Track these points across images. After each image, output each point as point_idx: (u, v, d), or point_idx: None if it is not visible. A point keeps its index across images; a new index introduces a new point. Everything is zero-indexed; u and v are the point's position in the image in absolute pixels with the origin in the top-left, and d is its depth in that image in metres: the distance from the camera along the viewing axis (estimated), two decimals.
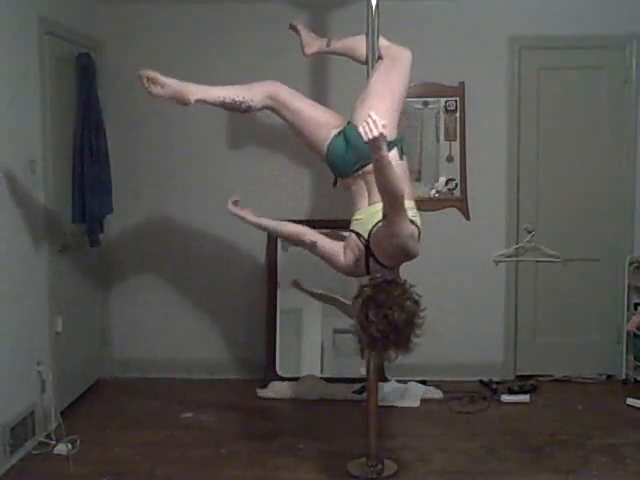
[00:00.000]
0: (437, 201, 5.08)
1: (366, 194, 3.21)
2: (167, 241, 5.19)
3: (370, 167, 3.10)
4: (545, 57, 4.99)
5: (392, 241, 2.95)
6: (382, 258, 3.06)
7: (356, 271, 3.21)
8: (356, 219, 3.23)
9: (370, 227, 3.10)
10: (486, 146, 5.01)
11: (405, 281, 3.01)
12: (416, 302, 2.96)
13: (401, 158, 3.23)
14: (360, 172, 3.22)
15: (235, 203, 3.52)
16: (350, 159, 3.23)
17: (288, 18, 4.92)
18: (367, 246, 3.10)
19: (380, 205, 3.01)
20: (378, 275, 3.04)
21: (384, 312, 2.87)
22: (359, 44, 3.53)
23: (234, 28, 5.03)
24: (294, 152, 4.97)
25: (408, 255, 3.01)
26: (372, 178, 3.07)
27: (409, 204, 3.11)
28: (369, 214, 3.15)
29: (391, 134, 3.17)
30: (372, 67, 3.45)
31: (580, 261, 5.06)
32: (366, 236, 3.11)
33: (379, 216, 3.02)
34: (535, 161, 5.03)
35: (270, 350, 4.99)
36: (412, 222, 3.06)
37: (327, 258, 3.26)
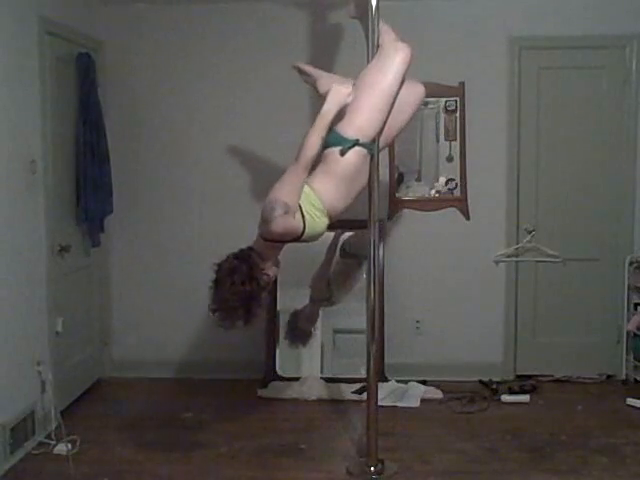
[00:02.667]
0: (437, 201, 5.08)
1: None
2: (167, 241, 5.20)
3: (324, 152, 3.21)
4: (545, 57, 4.99)
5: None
6: (259, 225, 3.17)
7: None
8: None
9: None
10: (486, 146, 5.01)
11: (259, 264, 3.10)
12: (255, 285, 3.06)
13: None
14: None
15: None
16: None
17: (288, 18, 4.96)
18: None
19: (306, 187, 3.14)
20: (252, 245, 3.18)
21: (221, 286, 3.09)
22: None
23: (234, 28, 5.03)
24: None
25: (262, 219, 3.06)
26: (321, 162, 3.20)
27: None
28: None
29: (367, 132, 3.20)
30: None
31: (580, 261, 5.06)
32: None
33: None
34: (535, 161, 5.04)
35: (270, 350, 4.99)
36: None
37: None
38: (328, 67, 4.92)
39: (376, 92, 3.21)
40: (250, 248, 3.16)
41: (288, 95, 5.00)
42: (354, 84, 3.30)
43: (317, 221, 3.16)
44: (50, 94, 4.28)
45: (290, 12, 4.94)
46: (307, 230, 3.12)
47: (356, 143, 3.19)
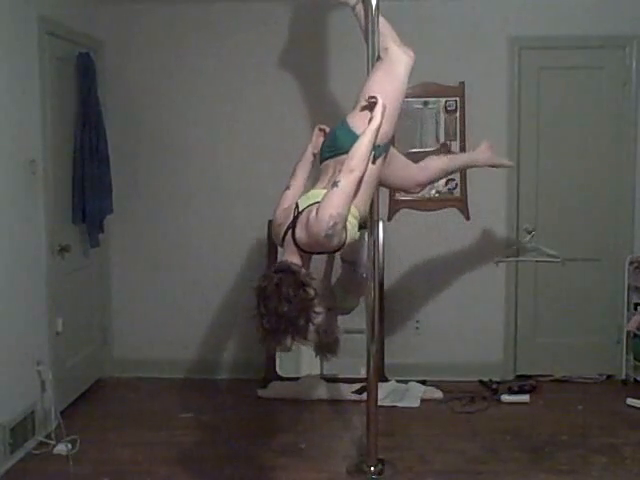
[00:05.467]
0: (437, 201, 5.08)
1: (327, 180, 3.16)
2: (167, 241, 5.19)
3: (342, 158, 3.08)
4: (545, 57, 4.99)
5: (314, 217, 2.90)
6: (301, 238, 2.98)
7: (276, 232, 3.15)
8: (305, 194, 3.17)
9: (310, 203, 3.04)
10: None
11: (301, 271, 2.92)
12: (306, 292, 2.86)
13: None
14: (331, 161, 3.19)
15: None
16: (323, 147, 3.27)
17: (288, 18, 4.96)
18: (295, 218, 3.03)
19: None
20: (284, 258, 3.00)
21: (272, 304, 2.82)
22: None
23: (234, 28, 5.03)
24: (297, 152, 4.98)
25: (317, 232, 2.91)
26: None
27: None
28: (317, 193, 3.10)
29: (382, 139, 3.15)
30: (372, 67, 3.43)
31: (580, 261, 5.05)
32: (300, 209, 3.05)
33: (321, 198, 2.99)
34: (535, 161, 5.03)
35: (270, 350, 4.98)
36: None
37: (280, 200, 3.23)
38: (327, 66, 4.96)
39: (389, 99, 3.18)
40: (284, 261, 3.01)
41: (289, 94, 5.01)
42: (364, 87, 3.29)
43: (354, 230, 3.11)
44: (50, 94, 4.28)
45: (290, 12, 4.94)
46: (347, 240, 3.07)
47: (386, 149, 3.19)
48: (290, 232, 3.02)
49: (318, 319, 2.92)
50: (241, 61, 5.03)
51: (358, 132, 3.12)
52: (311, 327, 2.89)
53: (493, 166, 4.02)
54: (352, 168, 2.97)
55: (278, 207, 3.19)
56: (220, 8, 5.01)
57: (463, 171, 5.01)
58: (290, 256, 3.01)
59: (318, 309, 2.91)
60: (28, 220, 4.10)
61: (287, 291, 2.83)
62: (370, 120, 3.06)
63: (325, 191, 3.04)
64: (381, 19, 3.44)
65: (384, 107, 3.07)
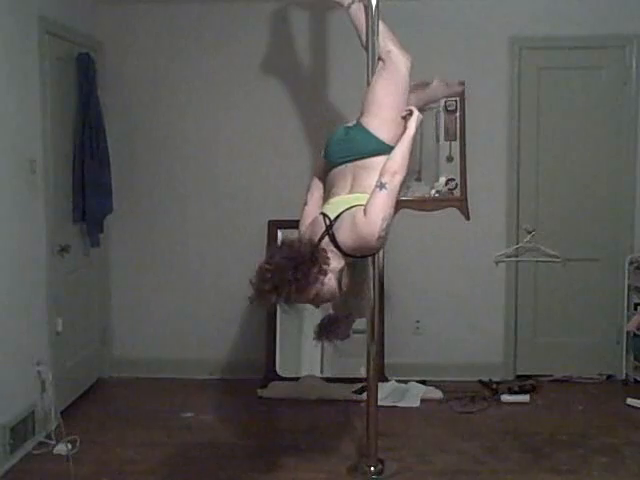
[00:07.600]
0: (437, 201, 5.07)
1: (349, 186, 3.15)
2: (167, 241, 5.20)
3: (362, 162, 3.11)
4: (545, 57, 4.99)
5: (364, 222, 2.94)
6: (346, 242, 2.99)
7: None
8: (329, 203, 3.17)
9: (343, 209, 3.04)
10: (486, 146, 5.00)
11: (327, 268, 2.93)
12: (315, 264, 2.88)
13: None
14: (350, 165, 3.16)
15: None
16: (332, 152, 3.25)
17: (288, 19, 4.96)
18: (329, 226, 3.03)
19: (360, 195, 3.03)
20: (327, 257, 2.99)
21: (288, 251, 2.88)
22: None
23: (233, 28, 5.03)
24: (296, 152, 4.99)
25: (368, 236, 2.95)
26: (363, 173, 3.09)
27: None
28: (345, 199, 3.10)
29: (394, 141, 3.14)
30: (372, 68, 3.42)
31: (580, 261, 5.06)
32: (332, 217, 3.05)
33: (356, 202, 3.02)
34: (535, 161, 5.04)
35: (270, 350, 4.99)
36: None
37: (301, 218, 3.28)
38: (327, 66, 4.96)
39: (394, 103, 3.18)
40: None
41: (290, 94, 5.01)
42: (369, 91, 3.29)
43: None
44: (50, 94, 4.28)
45: (290, 12, 4.94)
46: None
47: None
48: (326, 240, 3.02)
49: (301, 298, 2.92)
50: (241, 61, 5.03)
51: (375, 133, 3.12)
52: (293, 292, 2.87)
53: (448, 96, 4.46)
54: (396, 170, 3.01)
55: (301, 225, 3.23)
56: (220, 9, 5.01)
57: (463, 171, 5.01)
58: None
59: (309, 295, 2.91)
60: (28, 220, 4.10)
61: (304, 251, 2.86)
62: (405, 130, 3.10)
63: (356, 195, 3.06)
64: (380, 22, 3.44)
65: (419, 118, 3.13)
